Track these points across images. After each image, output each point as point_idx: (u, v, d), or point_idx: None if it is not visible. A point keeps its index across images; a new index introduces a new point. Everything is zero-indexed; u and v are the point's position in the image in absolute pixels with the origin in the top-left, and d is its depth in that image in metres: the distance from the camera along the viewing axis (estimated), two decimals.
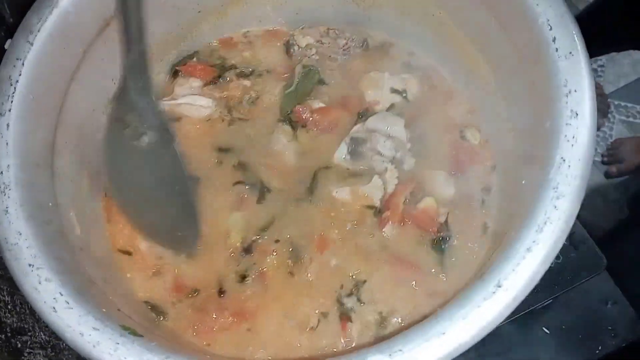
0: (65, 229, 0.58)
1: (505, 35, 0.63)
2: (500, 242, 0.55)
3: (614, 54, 1.98)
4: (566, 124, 0.52)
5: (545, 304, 0.86)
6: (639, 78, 2.02)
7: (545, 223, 0.49)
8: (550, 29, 0.56)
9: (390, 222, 0.69)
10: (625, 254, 1.12)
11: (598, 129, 1.99)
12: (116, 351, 0.47)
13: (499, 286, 0.47)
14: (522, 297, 0.48)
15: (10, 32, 0.60)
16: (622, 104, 1.99)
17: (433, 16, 0.75)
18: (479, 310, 0.47)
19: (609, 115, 1.98)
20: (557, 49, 0.55)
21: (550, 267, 0.49)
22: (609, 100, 1.89)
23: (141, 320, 0.56)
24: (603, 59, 2.01)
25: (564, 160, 0.51)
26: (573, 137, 0.52)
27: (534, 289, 0.49)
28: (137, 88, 0.60)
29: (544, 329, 0.91)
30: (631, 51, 2.04)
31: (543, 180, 0.51)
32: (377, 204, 0.71)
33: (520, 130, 0.63)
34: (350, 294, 0.67)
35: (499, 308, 0.47)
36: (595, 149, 1.80)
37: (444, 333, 0.46)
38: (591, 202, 1.81)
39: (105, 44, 0.65)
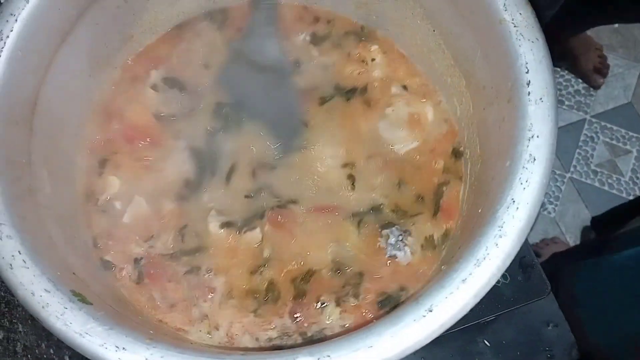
0: (35, 186, 0.59)
1: (488, 67, 0.64)
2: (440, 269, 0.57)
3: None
4: (523, 167, 0.54)
5: (489, 319, 0.89)
6: (628, 103, 2.05)
7: (484, 258, 0.51)
8: (527, 72, 0.57)
9: None
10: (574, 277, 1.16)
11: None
12: (63, 315, 0.49)
13: (430, 311, 0.50)
14: (450, 325, 0.50)
15: None
16: (608, 125, 2.02)
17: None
18: (407, 331, 0.49)
19: (593, 135, 2.01)
20: (529, 93, 0.56)
21: (497, 286, 0.51)
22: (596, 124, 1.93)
23: (96, 287, 0.58)
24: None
25: (514, 202, 0.53)
26: (526, 181, 0.53)
27: (480, 304, 0.51)
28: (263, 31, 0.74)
29: (485, 341, 0.95)
30: (625, 76, 2.06)
31: (491, 217, 0.53)
32: None
33: (484, 162, 0.65)
34: None
35: (426, 332, 0.49)
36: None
37: (371, 347, 0.48)
38: None
39: (102, 9, 0.66)
